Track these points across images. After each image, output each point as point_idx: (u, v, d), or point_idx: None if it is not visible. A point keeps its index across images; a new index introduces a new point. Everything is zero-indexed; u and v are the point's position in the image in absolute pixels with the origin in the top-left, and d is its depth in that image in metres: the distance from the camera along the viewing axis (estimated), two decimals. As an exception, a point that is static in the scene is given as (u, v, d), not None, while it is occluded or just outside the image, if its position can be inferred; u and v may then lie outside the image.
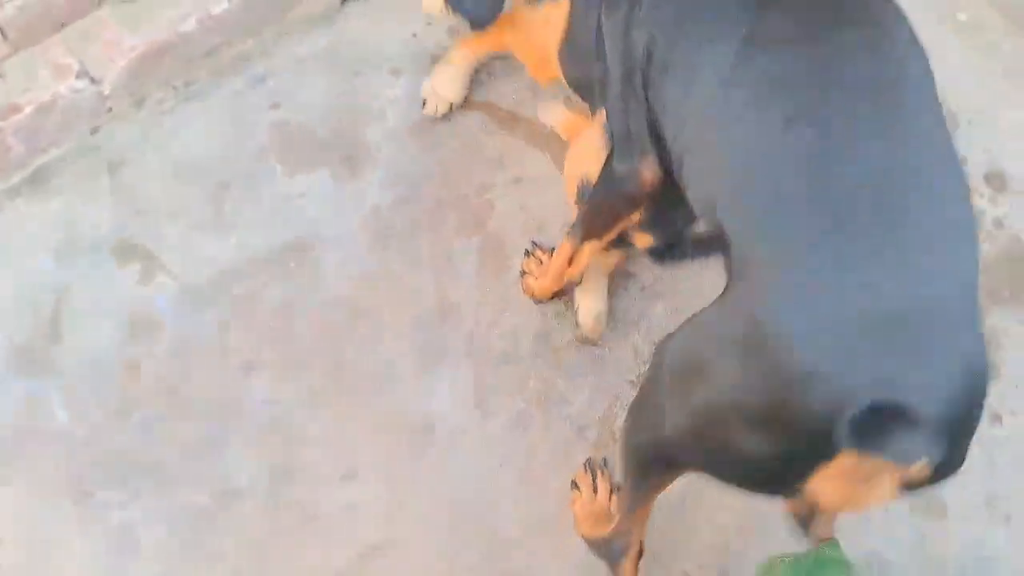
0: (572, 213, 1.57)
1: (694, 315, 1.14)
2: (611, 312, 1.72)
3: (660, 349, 1.19)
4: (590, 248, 1.56)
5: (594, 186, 1.46)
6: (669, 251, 1.65)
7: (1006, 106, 1.94)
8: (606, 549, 1.47)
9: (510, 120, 1.87)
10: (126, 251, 1.69)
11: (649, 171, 1.34)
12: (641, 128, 1.29)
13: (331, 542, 1.54)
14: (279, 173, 1.78)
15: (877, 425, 0.90)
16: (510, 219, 1.79)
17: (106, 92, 1.65)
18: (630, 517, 1.40)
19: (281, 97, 1.83)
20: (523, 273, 1.73)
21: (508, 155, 1.84)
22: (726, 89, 1.10)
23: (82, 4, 1.59)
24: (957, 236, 1.02)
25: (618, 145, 1.38)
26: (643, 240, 1.56)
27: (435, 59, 1.88)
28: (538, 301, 1.72)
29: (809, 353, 0.95)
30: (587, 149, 1.49)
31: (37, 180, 1.70)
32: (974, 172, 1.85)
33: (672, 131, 1.21)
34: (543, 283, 1.68)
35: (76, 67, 1.60)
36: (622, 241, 1.55)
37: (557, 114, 1.83)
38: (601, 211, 1.48)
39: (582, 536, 1.53)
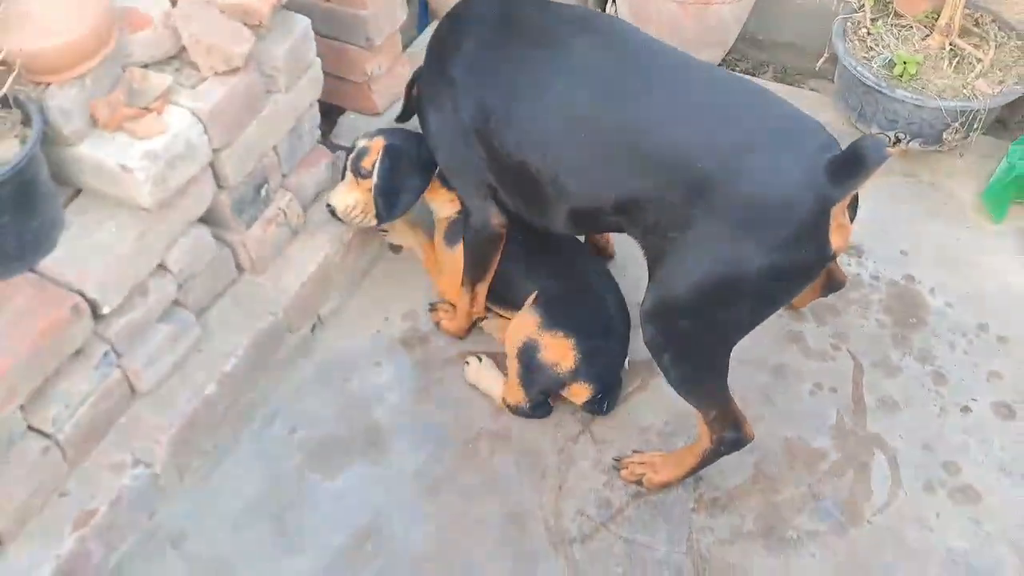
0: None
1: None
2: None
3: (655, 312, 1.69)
4: (481, 288, 2.09)
5: (464, 244, 2.03)
6: (608, 395, 2.01)
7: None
8: None
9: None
10: (220, 607, 1.77)
11: (495, 216, 1.95)
12: (482, 178, 1.89)
13: None
14: (320, 481, 1.96)
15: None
16: (530, 426, 2.05)
17: (158, 471, 1.81)
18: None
19: (295, 422, 2.05)
20: (438, 323, 2.22)
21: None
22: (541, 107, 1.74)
23: (121, 403, 1.80)
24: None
25: (468, 205, 1.98)
26: (581, 394, 2.00)
27: (402, 342, 2.20)
28: (458, 337, 2.21)
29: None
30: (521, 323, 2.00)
31: (115, 582, 1.78)
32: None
33: (516, 148, 1.78)
34: (458, 323, 2.18)
35: (130, 459, 1.77)
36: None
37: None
38: (476, 258, 2.03)
39: None
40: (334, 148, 2.31)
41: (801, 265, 1.58)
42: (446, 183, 2.08)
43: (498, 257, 2.05)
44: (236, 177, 1.89)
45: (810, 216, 1.51)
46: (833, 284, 2.04)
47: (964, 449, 2.03)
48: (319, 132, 2.17)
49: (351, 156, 2.09)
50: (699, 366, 1.75)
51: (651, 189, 1.60)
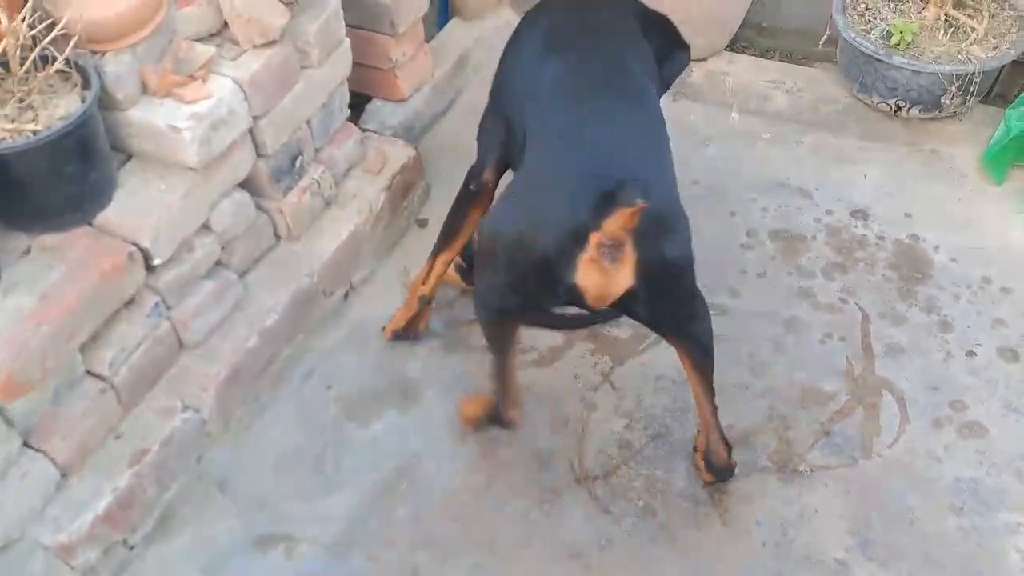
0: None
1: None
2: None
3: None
4: (442, 260, 2.12)
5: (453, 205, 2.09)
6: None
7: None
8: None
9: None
10: (264, 541, 1.88)
11: (489, 171, 2.01)
12: (495, 144, 1.97)
13: None
14: (356, 428, 2.07)
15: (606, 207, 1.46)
16: (553, 378, 2.16)
17: (205, 417, 1.94)
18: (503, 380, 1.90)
19: (330, 380, 2.17)
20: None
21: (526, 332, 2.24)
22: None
23: (171, 352, 1.94)
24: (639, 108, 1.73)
25: (479, 159, 2.04)
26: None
27: (437, 304, 2.33)
28: (398, 336, 2.22)
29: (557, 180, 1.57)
30: None
31: (165, 519, 1.90)
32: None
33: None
34: (399, 315, 2.20)
35: (179, 405, 1.90)
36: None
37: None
38: (452, 218, 2.09)
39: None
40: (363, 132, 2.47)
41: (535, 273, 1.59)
42: None
43: (469, 230, 2.07)
44: (274, 146, 2.04)
45: (559, 234, 1.52)
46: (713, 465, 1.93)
47: (970, 389, 2.11)
48: (348, 110, 2.32)
49: None
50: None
51: None
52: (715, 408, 1.85)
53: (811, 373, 2.16)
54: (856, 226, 2.49)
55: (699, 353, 1.81)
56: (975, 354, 2.18)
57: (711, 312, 2.26)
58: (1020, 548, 1.82)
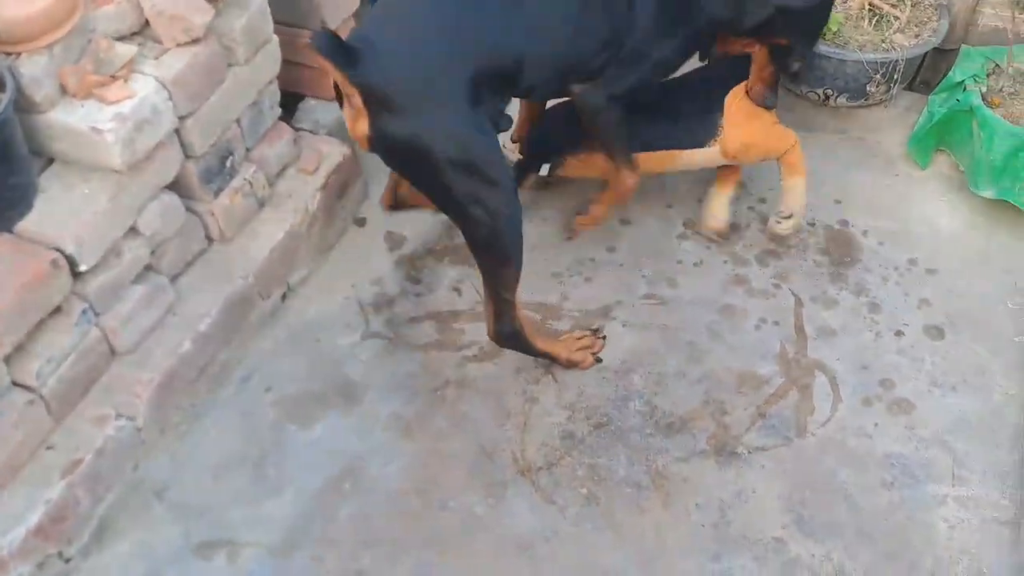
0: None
1: None
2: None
3: None
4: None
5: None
6: None
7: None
8: None
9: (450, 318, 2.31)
10: (205, 548, 1.85)
11: None
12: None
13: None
14: (297, 431, 2.05)
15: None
16: (494, 373, 2.17)
17: (140, 425, 1.90)
18: None
19: (270, 382, 2.15)
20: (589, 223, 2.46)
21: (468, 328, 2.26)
22: None
23: (102, 360, 1.90)
24: None
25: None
26: None
27: (371, 305, 2.31)
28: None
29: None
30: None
31: (102, 529, 1.85)
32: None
33: None
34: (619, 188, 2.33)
35: (112, 413, 1.86)
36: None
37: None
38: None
39: None
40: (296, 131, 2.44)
41: None
42: None
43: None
44: (202, 146, 2.00)
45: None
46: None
47: (898, 367, 2.18)
48: (280, 109, 2.29)
49: None
50: None
51: None
52: (492, 287, 1.96)
53: (747, 358, 2.20)
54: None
55: (472, 246, 1.93)
56: (903, 333, 2.25)
57: (652, 301, 2.33)
58: (947, 518, 1.89)
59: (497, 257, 1.91)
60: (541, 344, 2.11)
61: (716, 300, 2.34)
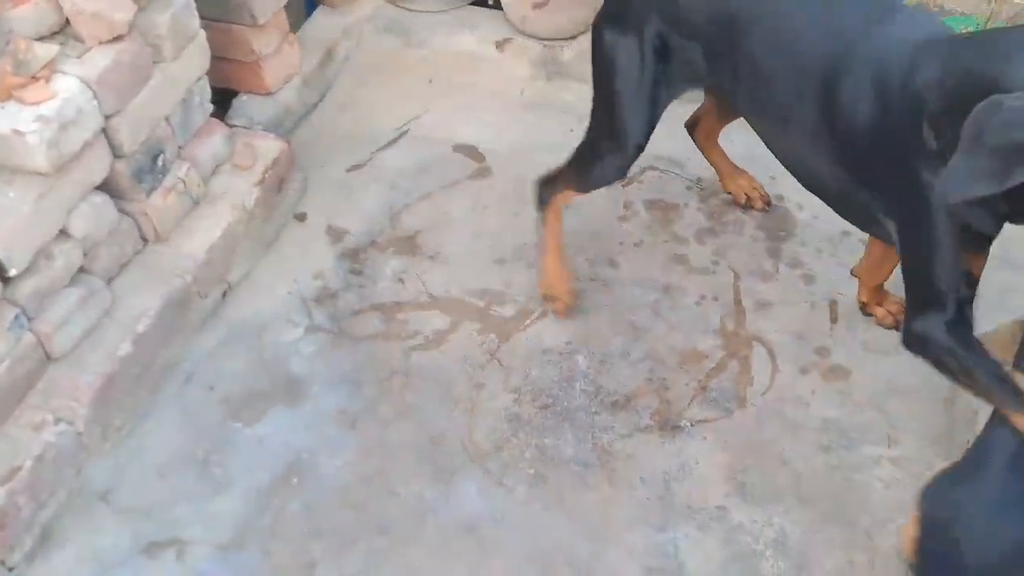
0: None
1: None
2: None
3: None
4: None
5: None
6: None
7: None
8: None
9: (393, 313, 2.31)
10: (154, 548, 1.84)
11: None
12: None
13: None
14: (242, 428, 2.05)
15: None
16: (439, 361, 2.18)
17: (80, 429, 1.87)
18: None
19: (213, 381, 2.14)
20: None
21: (412, 318, 2.27)
22: None
23: (38, 366, 1.87)
24: None
25: None
26: None
27: (314, 300, 2.31)
28: None
29: None
30: None
31: (46, 535, 1.84)
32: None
33: None
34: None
35: (51, 418, 1.84)
36: None
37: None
38: None
39: None
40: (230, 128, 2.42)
41: None
42: None
43: None
44: (131, 145, 1.98)
45: None
46: None
47: (833, 335, 2.23)
48: (212, 106, 2.27)
49: None
50: None
51: None
52: None
53: (688, 334, 2.24)
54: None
55: None
56: (837, 303, 2.31)
57: (594, 283, 2.36)
58: (882, 478, 1.95)
59: None
60: None
61: (657, 279, 2.38)
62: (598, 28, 1.97)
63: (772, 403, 2.09)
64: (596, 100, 2.05)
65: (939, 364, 1.62)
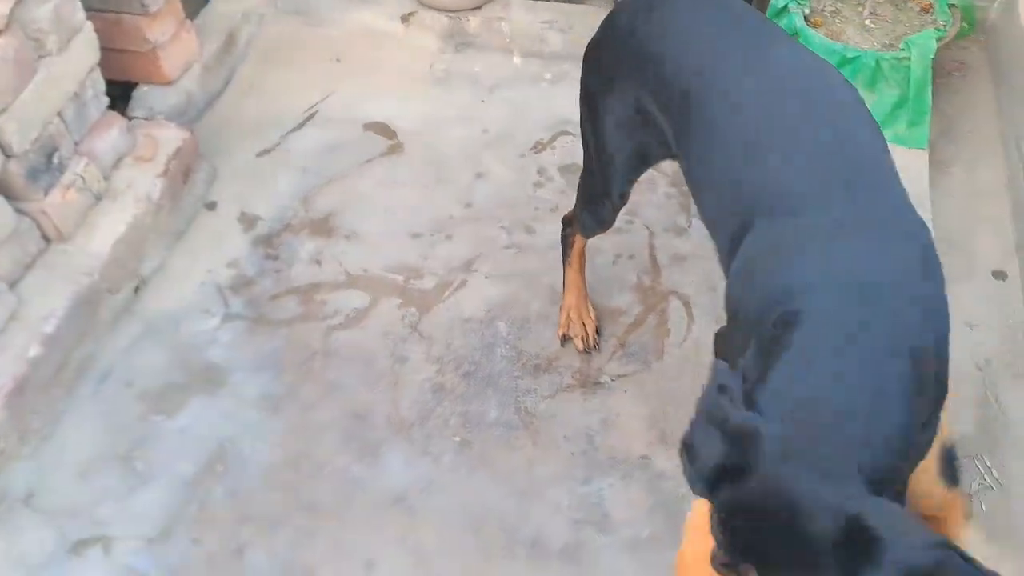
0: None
1: None
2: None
3: None
4: None
5: None
6: None
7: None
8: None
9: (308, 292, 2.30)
10: (80, 546, 1.82)
11: None
12: None
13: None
14: (163, 421, 2.03)
15: None
16: (359, 339, 2.18)
17: (-6, 435, 1.84)
18: None
19: (130, 377, 2.11)
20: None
21: (331, 298, 2.26)
22: None
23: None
24: None
25: None
26: None
27: (230, 288, 2.29)
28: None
29: None
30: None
31: (-33, 547, 1.80)
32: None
33: None
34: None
35: (-41, 426, 1.80)
36: None
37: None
38: None
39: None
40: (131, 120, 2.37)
41: None
42: None
43: None
44: (22, 144, 1.93)
45: None
46: None
47: (745, 283, 2.30)
48: (107, 99, 2.22)
49: None
50: None
51: None
52: None
53: (606, 292, 2.28)
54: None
55: None
56: (748, 251, 2.37)
57: (512, 250, 2.38)
58: (795, 415, 2.02)
59: None
60: None
61: (573, 241, 2.41)
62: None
63: (688, 353, 2.15)
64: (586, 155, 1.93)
65: None
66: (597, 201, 1.95)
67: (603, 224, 2.01)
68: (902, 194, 1.39)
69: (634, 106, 1.68)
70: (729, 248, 1.46)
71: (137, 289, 2.25)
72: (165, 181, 2.29)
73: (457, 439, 1.99)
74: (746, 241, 1.40)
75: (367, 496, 1.90)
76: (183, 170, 2.36)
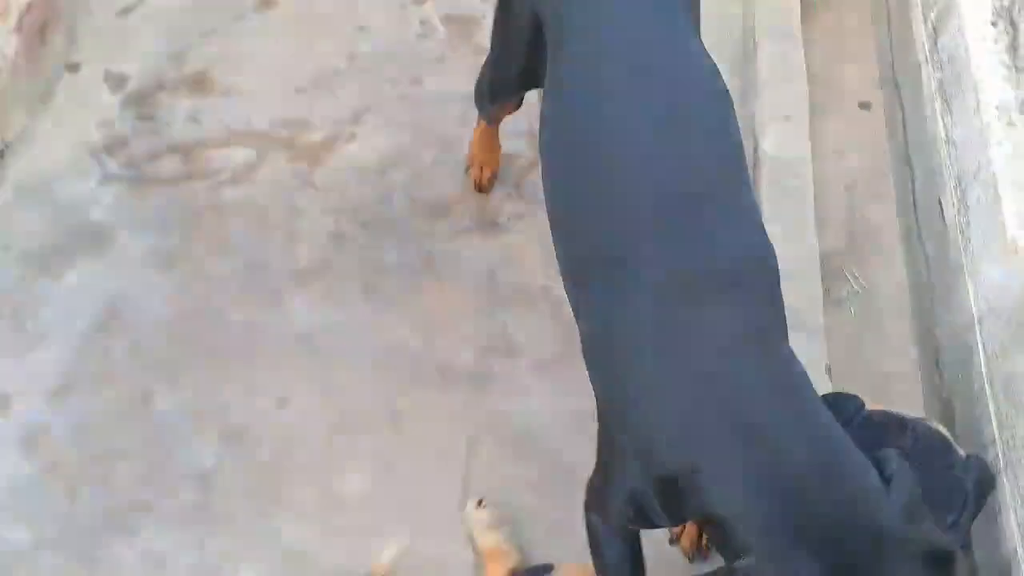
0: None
1: None
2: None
3: None
4: None
5: None
6: None
7: None
8: None
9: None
10: (-31, 413, 1.75)
11: None
12: None
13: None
14: (49, 283, 1.94)
15: None
16: (252, 193, 2.13)
17: None
18: None
19: (6, 241, 2.00)
20: None
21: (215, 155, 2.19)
22: None
23: None
24: None
25: None
26: None
27: (104, 149, 2.17)
28: None
29: None
30: None
31: None
32: None
33: None
34: None
35: None
36: None
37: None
38: None
39: None
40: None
41: None
42: None
43: None
44: None
45: None
46: None
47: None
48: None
49: None
50: None
51: None
52: None
53: (501, 137, 2.30)
54: None
55: None
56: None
57: (400, 101, 2.34)
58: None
59: None
60: None
61: (462, 91, 2.36)
62: None
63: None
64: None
65: None
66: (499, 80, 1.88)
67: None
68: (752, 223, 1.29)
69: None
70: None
71: (2, 154, 2.11)
72: (20, 39, 2.12)
73: (361, 284, 2.00)
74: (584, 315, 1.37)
75: (273, 340, 1.90)
76: (39, 28, 2.19)
